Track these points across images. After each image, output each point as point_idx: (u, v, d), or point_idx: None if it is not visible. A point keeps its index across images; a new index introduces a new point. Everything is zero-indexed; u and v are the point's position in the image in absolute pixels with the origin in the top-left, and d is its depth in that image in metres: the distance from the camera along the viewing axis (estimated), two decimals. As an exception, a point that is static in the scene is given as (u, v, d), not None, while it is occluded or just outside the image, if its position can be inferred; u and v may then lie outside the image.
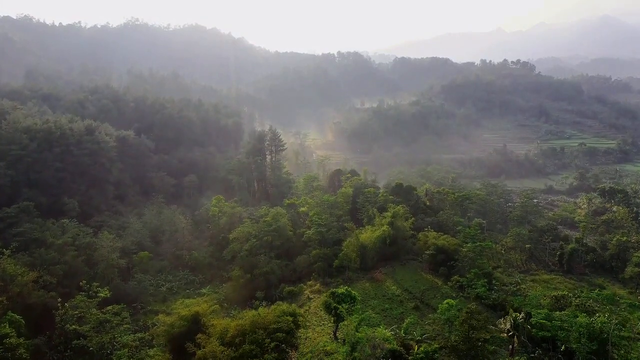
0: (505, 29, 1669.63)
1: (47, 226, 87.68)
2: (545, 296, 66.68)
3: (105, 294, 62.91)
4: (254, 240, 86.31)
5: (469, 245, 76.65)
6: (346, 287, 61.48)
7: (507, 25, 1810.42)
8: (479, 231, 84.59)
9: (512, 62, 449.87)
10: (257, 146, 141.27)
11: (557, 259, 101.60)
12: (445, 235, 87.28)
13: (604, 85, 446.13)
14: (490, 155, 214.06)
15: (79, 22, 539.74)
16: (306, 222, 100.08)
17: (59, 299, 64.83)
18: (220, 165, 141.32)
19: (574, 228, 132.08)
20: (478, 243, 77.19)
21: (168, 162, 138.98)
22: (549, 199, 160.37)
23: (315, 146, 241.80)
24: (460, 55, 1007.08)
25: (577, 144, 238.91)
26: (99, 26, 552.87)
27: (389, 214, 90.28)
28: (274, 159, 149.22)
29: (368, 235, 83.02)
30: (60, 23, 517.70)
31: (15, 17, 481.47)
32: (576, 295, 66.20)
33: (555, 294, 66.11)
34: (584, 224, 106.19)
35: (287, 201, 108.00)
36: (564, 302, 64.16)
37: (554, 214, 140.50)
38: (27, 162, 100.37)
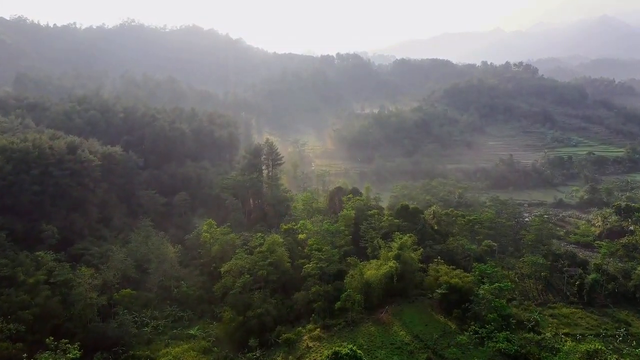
0: (504, 28, 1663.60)
1: (20, 260, 79.77)
2: (576, 351, 58.93)
3: (75, 355, 55.01)
4: (247, 276, 78.46)
5: (486, 287, 68.81)
6: (350, 345, 53.82)
7: (505, 25, 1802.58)
8: (496, 269, 76.70)
9: (514, 64, 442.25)
10: (253, 161, 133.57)
11: (576, 289, 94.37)
12: (458, 271, 79.54)
13: (607, 88, 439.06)
14: (497, 166, 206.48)
15: (74, 23, 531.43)
16: (305, 249, 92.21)
17: (25, 355, 57.38)
18: (213, 181, 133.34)
19: (588, 247, 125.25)
20: (496, 284, 69.35)
21: (158, 178, 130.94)
22: (560, 215, 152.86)
23: (314, 155, 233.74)
24: (459, 54, 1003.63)
25: (584, 153, 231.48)
26: (95, 27, 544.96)
27: (395, 244, 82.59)
28: (271, 174, 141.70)
29: (373, 272, 75.21)
30: (54, 24, 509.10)
31: (8, 18, 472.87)
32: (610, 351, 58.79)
33: (588, 348, 58.42)
34: (605, 250, 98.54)
35: (284, 226, 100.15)
36: (598, 360, 56.72)
37: (565, 233, 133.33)
38: (1, 186, 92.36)
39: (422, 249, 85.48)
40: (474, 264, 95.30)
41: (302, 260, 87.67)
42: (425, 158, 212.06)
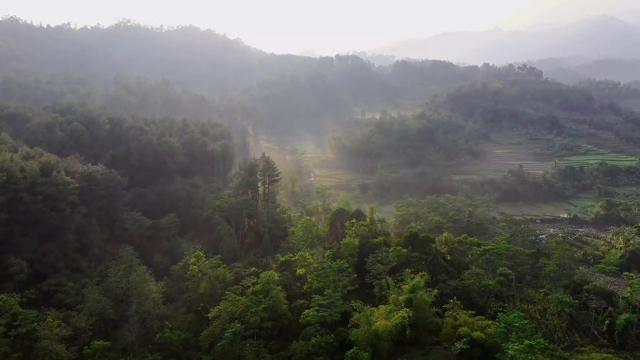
0: (503, 27, 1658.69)
1: (-23, 307, 69.91)
2: None
3: None
4: (239, 324, 68.51)
5: (515, 346, 58.80)
6: None
7: (505, 24, 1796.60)
8: (526, 322, 66.76)
9: (518, 67, 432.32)
10: (247, 179, 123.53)
11: (605, 328, 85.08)
12: (479, 318, 69.85)
13: (612, 91, 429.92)
14: (505, 177, 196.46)
15: (68, 23, 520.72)
16: (304, 286, 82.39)
17: None
18: (205, 200, 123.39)
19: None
20: (526, 341, 59.41)
21: (145, 197, 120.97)
22: (577, 234, 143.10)
23: (313, 164, 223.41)
24: (458, 54, 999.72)
25: (595, 162, 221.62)
26: (90, 27, 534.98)
27: (406, 286, 72.82)
28: (267, 191, 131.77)
29: (382, 323, 65.32)
30: (48, 24, 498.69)
31: (0, 19, 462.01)
32: None
33: None
34: (637, 285, 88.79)
35: (281, 258, 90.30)
36: None
37: (583, 254, 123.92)
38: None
39: (436, 290, 75.53)
40: (492, 303, 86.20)
41: (301, 301, 77.99)
42: (430, 169, 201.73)
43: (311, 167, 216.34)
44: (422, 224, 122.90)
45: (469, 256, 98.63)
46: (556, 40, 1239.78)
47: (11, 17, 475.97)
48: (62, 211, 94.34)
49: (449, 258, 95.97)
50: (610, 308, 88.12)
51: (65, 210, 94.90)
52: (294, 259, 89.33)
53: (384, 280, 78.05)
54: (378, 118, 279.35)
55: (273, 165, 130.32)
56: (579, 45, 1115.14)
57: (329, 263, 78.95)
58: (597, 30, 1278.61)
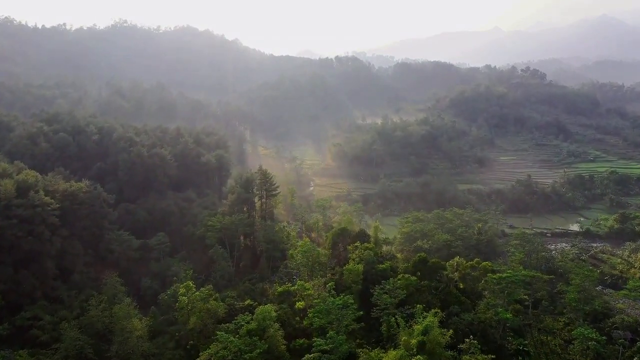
0: (503, 27, 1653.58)
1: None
2: None
3: None
4: (231, 372, 61.02)
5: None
6: None
7: (504, 24, 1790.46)
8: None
9: (521, 70, 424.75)
10: (243, 195, 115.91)
11: (633, 363, 77.98)
12: (500, 364, 62.50)
13: (617, 94, 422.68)
14: (513, 188, 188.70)
15: (64, 24, 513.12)
16: (304, 321, 74.72)
17: None
18: (198, 217, 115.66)
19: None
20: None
21: (133, 214, 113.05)
22: (592, 251, 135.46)
23: (313, 172, 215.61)
24: (458, 54, 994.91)
25: (604, 169, 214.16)
26: (85, 28, 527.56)
27: (418, 327, 65.18)
28: (264, 206, 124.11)
29: (393, 373, 57.80)
30: (43, 25, 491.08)
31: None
32: None
33: None
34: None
35: (279, 289, 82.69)
36: None
37: (600, 273, 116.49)
38: None
39: (450, 331, 67.85)
40: (510, 335, 78.98)
41: (301, 341, 70.50)
42: (434, 178, 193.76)
43: (311, 176, 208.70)
44: (429, 242, 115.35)
45: (482, 282, 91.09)
46: (556, 40, 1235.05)
47: (5, 17, 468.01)
48: (41, 235, 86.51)
49: (461, 286, 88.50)
50: (638, 343, 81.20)
51: (44, 233, 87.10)
52: (292, 288, 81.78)
53: (392, 319, 70.27)
54: (379, 123, 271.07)
55: (271, 178, 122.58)
56: (579, 45, 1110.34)
57: (332, 299, 71.28)
58: (597, 30, 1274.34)
